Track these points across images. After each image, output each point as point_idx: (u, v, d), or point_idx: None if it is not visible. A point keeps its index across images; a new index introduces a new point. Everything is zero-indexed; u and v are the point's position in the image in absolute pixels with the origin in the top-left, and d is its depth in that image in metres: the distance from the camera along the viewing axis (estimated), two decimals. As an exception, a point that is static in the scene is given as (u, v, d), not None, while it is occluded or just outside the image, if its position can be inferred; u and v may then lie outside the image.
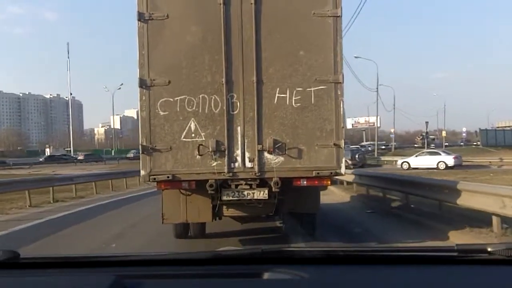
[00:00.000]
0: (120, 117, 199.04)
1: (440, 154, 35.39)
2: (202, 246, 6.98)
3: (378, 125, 65.74)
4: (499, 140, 71.39)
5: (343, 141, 6.28)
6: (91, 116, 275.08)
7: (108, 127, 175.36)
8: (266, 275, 1.64)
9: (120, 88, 76.90)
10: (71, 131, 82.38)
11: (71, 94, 76.31)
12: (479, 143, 74.49)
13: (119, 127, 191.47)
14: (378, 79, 58.18)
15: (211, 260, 1.87)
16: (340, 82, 6.20)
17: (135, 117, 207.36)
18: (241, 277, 1.71)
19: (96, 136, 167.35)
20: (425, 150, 42.39)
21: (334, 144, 6.20)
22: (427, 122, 51.13)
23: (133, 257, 1.98)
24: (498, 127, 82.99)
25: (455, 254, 1.79)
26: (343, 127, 6.29)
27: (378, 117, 60.33)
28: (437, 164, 33.28)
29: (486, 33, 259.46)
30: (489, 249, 1.73)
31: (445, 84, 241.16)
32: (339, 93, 6.20)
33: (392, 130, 64.30)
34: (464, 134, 79.52)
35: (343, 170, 6.27)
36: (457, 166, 33.02)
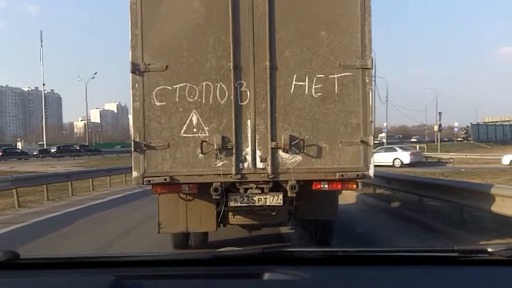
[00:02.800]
0: (100, 110, 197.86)
1: (396, 150, 33.82)
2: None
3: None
4: (491, 135, 71.64)
5: (372, 137, 5.50)
6: (72, 110, 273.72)
7: (87, 120, 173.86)
8: (266, 276, 1.65)
9: (93, 77, 75.00)
10: (44, 124, 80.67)
11: (44, 84, 73.89)
12: (466, 138, 74.65)
13: (99, 121, 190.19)
14: (375, 67, 56.22)
15: (211, 261, 1.89)
16: (369, 68, 5.43)
17: (115, 111, 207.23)
18: (241, 277, 1.72)
19: (75, 130, 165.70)
20: (384, 146, 39.97)
21: (361, 141, 5.43)
22: (440, 113, 47.53)
23: (132, 257, 2.01)
24: (485, 123, 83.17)
25: (456, 254, 1.80)
26: (371, 121, 5.52)
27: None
28: (393, 161, 31.88)
29: (470, 33, 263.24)
30: (489, 250, 1.75)
31: (425, 80, 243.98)
32: (367, 80, 5.43)
33: (385, 125, 62.84)
34: (456, 129, 79.41)
35: (371, 171, 5.48)
36: (416, 163, 31.34)
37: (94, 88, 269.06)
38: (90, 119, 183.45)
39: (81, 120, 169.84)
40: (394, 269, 1.76)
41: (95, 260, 1.96)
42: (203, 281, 1.72)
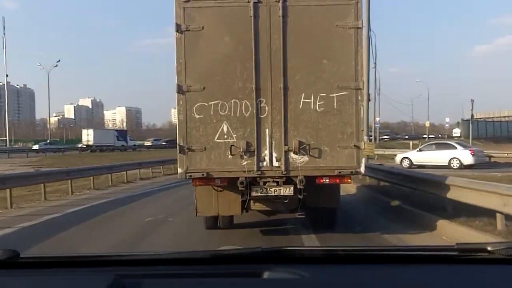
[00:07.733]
0: (74, 106, 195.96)
1: None
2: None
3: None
4: (481, 132, 73.18)
5: (363, 142, 7.47)
6: (47, 106, 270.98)
7: (61, 116, 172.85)
8: (266, 274, 1.74)
9: (56, 66, 74.78)
10: (7, 118, 79.19)
11: (7, 76, 74.04)
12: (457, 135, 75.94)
13: (73, 117, 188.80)
14: (376, 52, 42.24)
15: (211, 260, 1.97)
16: (361, 89, 7.36)
17: (90, 106, 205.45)
18: (241, 276, 1.80)
19: (48, 126, 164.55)
20: None
21: (355, 145, 7.35)
22: (472, 100, 44.11)
23: (133, 256, 2.13)
24: (476, 119, 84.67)
25: (455, 253, 1.89)
26: (362, 130, 7.48)
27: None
28: None
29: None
30: (489, 248, 1.82)
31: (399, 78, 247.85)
32: (359, 98, 7.35)
33: (378, 119, 60.04)
34: (447, 126, 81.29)
35: (362, 169, 7.47)
36: None
37: (68, 83, 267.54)
38: (64, 115, 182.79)
39: (55, 116, 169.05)
40: (394, 267, 1.83)
41: (95, 259, 2.02)
42: (203, 280, 1.77)
